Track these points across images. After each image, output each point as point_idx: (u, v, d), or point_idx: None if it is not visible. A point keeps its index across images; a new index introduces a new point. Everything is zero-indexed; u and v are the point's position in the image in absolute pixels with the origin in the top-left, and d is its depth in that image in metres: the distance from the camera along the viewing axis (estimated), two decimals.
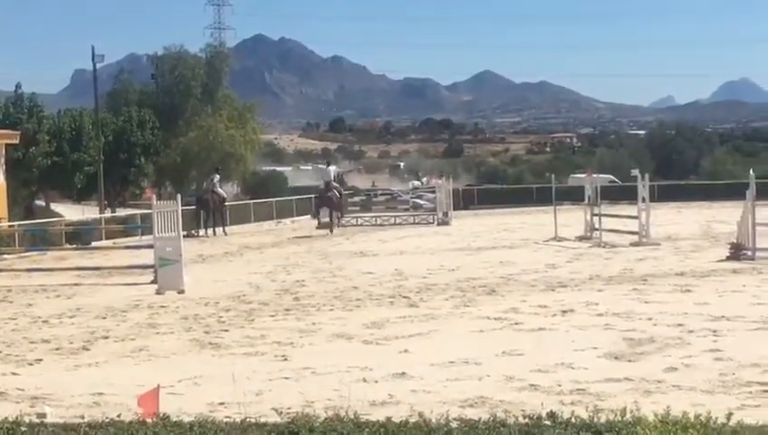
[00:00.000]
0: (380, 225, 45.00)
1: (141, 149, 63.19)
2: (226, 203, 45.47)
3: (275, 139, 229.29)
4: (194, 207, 42.46)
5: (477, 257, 26.91)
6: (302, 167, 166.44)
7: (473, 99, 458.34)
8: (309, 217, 47.56)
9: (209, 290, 20.62)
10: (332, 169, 46.27)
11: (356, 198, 50.99)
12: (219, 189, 44.10)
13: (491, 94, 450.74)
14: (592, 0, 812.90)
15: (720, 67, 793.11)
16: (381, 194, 54.62)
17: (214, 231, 41.66)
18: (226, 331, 14.95)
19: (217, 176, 45.04)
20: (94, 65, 60.18)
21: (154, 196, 46.51)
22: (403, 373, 11.05)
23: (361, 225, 45.11)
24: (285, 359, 12.34)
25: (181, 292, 20.32)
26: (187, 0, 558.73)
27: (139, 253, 25.68)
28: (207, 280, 22.81)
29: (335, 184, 43.87)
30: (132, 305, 18.60)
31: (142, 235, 35.90)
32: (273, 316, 16.43)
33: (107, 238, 38.41)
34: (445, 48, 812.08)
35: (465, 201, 60.11)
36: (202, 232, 41.47)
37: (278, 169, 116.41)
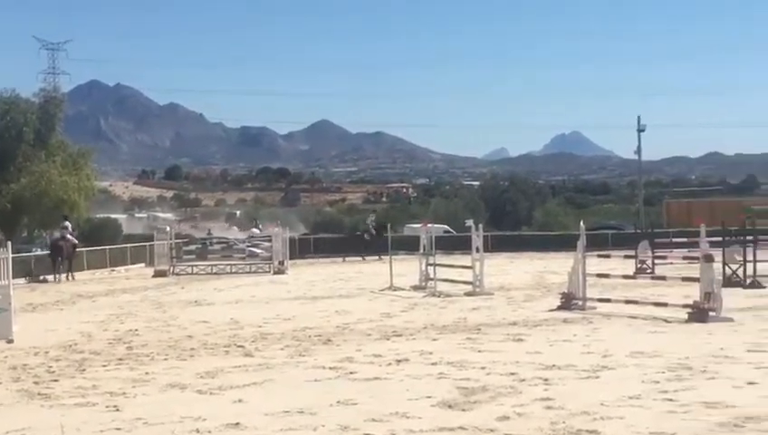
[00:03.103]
0: (216, 273, 44.70)
1: None
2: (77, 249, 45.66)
3: (110, 186, 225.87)
4: (48, 252, 43.74)
5: (313, 306, 26.88)
6: (136, 214, 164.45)
7: (309, 148, 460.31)
8: (143, 265, 47.01)
9: (40, 339, 20.13)
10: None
11: (191, 247, 50.51)
12: (71, 236, 44.49)
13: (327, 144, 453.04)
14: (425, 49, 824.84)
15: (551, 120, 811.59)
16: (217, 242, 54.22)
17: (67, 276, 42.49)
18: (56, 381, 14.60)
19: (68, 223, 45.47)
20: None
21: None
22: (237, 423, 10.95)
23: (197, 273, 44.73)
24: (117, 409, 12.11)
25: (10, 341, 19.77)
26: (20, 45, 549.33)
27: None
28: (38, 329, 22.26)
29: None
30: None
31: None
32: (105, 366, 16.12)
33: None
34: (281, 97, 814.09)
35: (301, 250, 60.08)
36: (52, 278, 41.83)
37: (112, 216, 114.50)
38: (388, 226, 42.31)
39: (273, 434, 10.41)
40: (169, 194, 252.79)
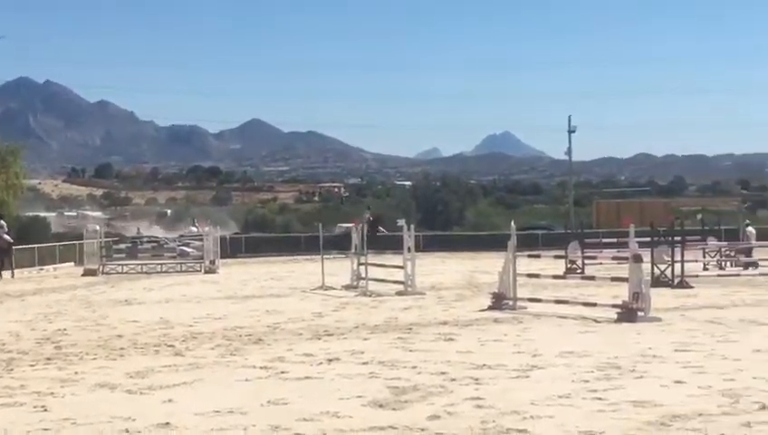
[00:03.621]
0: (146, 272, 44.38)
1: None
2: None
3: (39, 184, 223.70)
4: None
5: (244, 306, 26.79)
6: (66, 213, 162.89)
7: (241, 147, 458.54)
8: (72, 264, 46.59)
9: None
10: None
11: (122, 245, 50.16)
12: (5, 235, 44.02)
13: (259, 143, 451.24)
14: (359, 50, 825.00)
15: (483, 121, 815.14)
16: (148, 241, 53.86)
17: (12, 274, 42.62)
18: None
19: (2, 222, 44.97)
20: None
21: None
22: (167, 423, 10.87)
23: (127, 272, 44.39)
24: (45, 409, 11.98)
25: None
26: None
27: None
28: None
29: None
30: None
31: None
32: (33, 366, 15.93)
33: None
34: (212, 96, 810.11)
35: (232, 249, 59.88)
36: None
37: (41, 214, 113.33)
38: (320, 225, 42.31)
39: (204, 434, 10.35)
40: (99, 192, 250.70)
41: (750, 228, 45.63)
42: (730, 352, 15.92)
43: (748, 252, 41.92)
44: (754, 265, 40.21)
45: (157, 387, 13.46)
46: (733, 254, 41.55)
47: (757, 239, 45.17)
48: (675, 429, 10.19)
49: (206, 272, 43.86)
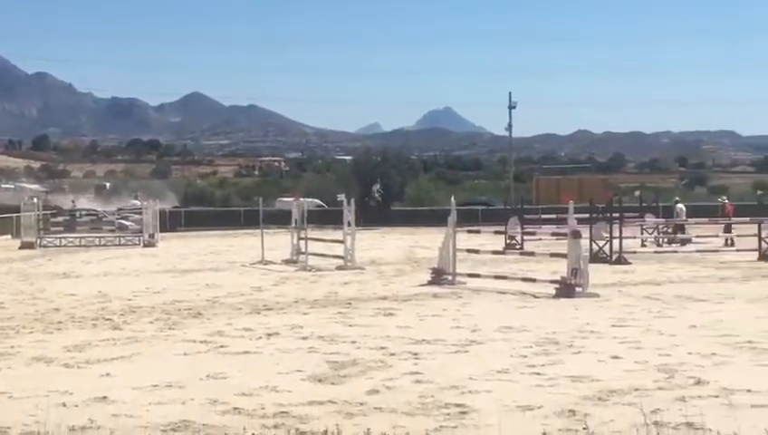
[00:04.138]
0: (85, 246, 44.06)
1: None
2: None
3: None
4: None
5: (183, 280, 26.70)
6: (3, 185, 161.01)
7: (181, 120, 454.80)
8: (9, 236, 46.16)
9: None
10: None
11: (59, 218, 49.70)
12: None
13: (200, 116, 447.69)
14: (300, 25, 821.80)
15: (424, 96, 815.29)
16: (86, 214, 53.40)
17: None
18: None
19: None
20: None
21: None
22: (104, 397, 10.81)
23: (65, 245, 44.04)
24: None
25: None
26: None
27: None
28: None
29: None
30: None
31: None
32: None
33: None
34: (153, 68, 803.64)
35: (171, 223, 59.53)
36: None
37: None
38: (260, 199, 42.18)
39: (141, 408, 10.29)
40: (37, 165, 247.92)
41: (680, 205, 46.05)
42: (666, 328, 16.09)
43: (681, 229, 42.30)
44: (687, 241, 40.62)
45: (94, 361, 13.38)
46: (669, 230, 41.92)
47: (694, 216, 45.56)
48: (611, 403, 10.28)
49: (145, 246, 43.64)
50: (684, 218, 43.33)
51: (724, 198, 52.80)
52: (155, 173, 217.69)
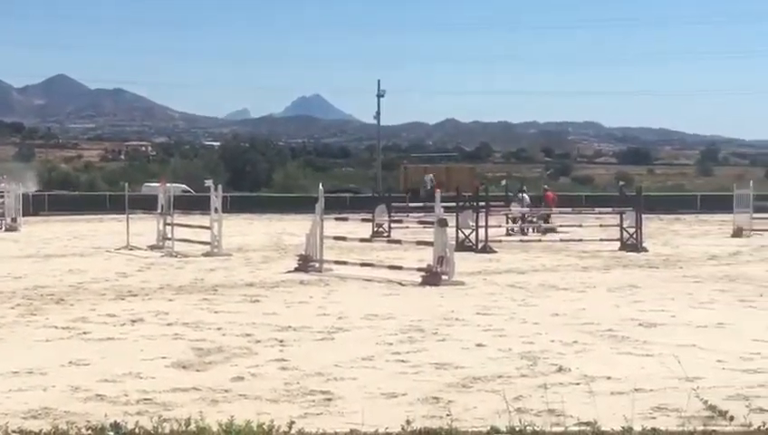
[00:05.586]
0: None
1: None
2: None
3: None
4: None
5: (46, 265, 26.27)
6: None
7: (45, 103, 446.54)
8: None
9: None
10: None
11: None
12: None
13: (64, 99, 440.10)
14: (168, 8, 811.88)
15: (294, 82, 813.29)
16: None
17: None
18: None
19: None
20: None
21: None
22: None
23: None
24: None
25: None
26: None
27: None
28: None
29: None
30: None
31: None
32: None
33: None
34: (16, 48, 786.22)
35: (35, 207, 58.42)
36: None
37: None
38: (126, 184, 41.67)
39: (1, 395, 10.10)
40: None
41: (524, 195, 46.80)
42: (529, 316, 16.35)
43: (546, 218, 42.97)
44: (552, 230, 41.30)
45: None
46: (535, 220, 42.54)
47: (558, 205, 46.27)
48: (475, 390, 10.42)
49: (6, 230, 42.77)
50: (525, 207, 43.93)
51: (546, 186, 54.14)
52: (18, 156, 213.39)
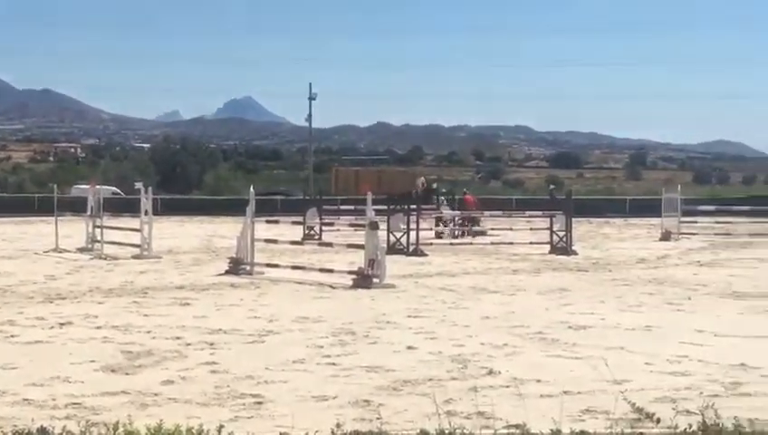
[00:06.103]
0: None
1: None
2: None
3: None
4: None
5: None
6: None
7: None
8: None
9: None
10: None
11: None
12: None
13: None
14: (98, 8, 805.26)
15: (225, 85, 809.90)
16: None
17: None
18: None
19: None
20: None
21: None
22: None
23: None
24: None
25: None
26: None
27: None
28: None
29: None
30: None
31: None
32: None
33: None
34: None
35: None
36: None
37: None
38: (54, 186, 41.27)
39: None
40: None
41: (443, 198, 47.11)
42: (460, 319, 16.41)
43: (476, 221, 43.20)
44: (482, 233, 41.50)
45: None
46: (466, 223, 42.70)
47: (488, 209, 46.50)
48: (405, 393, 10.44)
49: None
50: (447, 210, 44.17)
51: (465, 190, 54.63)
52: None
